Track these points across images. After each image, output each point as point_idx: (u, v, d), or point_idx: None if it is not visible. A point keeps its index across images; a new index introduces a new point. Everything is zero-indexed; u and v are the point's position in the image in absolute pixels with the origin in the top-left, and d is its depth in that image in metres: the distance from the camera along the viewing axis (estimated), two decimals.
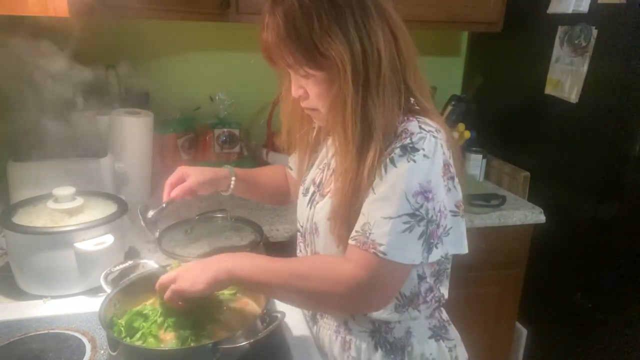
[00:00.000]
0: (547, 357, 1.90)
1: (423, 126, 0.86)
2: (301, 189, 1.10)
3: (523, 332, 1.98)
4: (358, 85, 0.84)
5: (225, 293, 1.06)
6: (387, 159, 0.84)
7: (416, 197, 0.83)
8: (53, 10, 0.86)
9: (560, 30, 1.72)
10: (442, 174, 0.86)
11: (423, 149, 0.83)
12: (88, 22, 1.09)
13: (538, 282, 1.90)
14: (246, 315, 0.98)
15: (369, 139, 0.85)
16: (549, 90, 1.79)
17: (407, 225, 0.83)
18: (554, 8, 1.74)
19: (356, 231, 0.86)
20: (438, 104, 2.05)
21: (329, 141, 1.06)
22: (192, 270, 0.87)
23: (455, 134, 2.00)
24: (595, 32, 1.59)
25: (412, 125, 0.86)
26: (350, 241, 0.87)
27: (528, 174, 1.92)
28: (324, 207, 0.98)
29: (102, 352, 0.92)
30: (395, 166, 0.84)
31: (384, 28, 0.85)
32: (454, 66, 2.34)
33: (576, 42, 1.66)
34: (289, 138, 1.10)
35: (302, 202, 1.08)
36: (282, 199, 1.32)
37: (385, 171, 0.84)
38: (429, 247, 0.85)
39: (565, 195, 1.76)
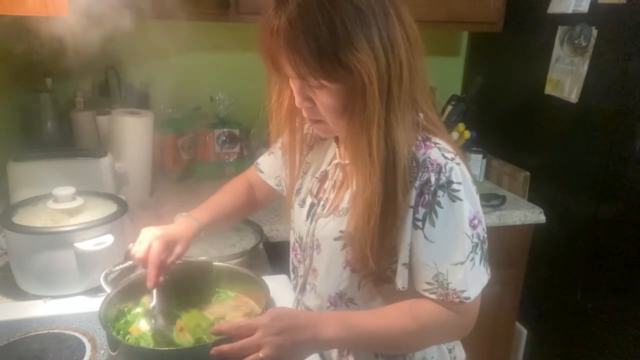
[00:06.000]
0: (547, 357, 1.90)
1: (445, 154, 0.82)
2: (296, 200, 1.03)
3: (523, 332, 1.98)
4: (383, 101, 0.77)
5: (226, 293, 1.06)
6: (434, 203, 0.81)
7: (468, 230, 0.82)
8: (53, 10, 0.86)
9: (560, 30, 1.72)
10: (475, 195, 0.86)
11: (459, 182, 0.81)
12: (88, 22, 1.09)
13: (538, 282, 1.90)
14: (246, 315, 0.99)
15: (395, 157, 0.79)
16: (549, 90, 1.79)
17: (473, 261, 0.83)
18: (554, 8, 1.74)
19: (429, 283, 0.84)
20: (438, 104, 2.05)
21: (324, 148, 1.02)
22: (283, 354, 0.78)
23: (455, 134, 2.00)
24: (595, 32, 1.59)
25: (434, 153, 0.82)
26: (429, 295, 0.85)
27: (528, 174, 1.92)
28: (327, 224, 0.93)
29: (102, 352, 0.92)
30: (442, 207, 0.81)
31: (402, 34, 0.79)
32: (454, 66, 2.34)
33: (576, 42, 1.66)
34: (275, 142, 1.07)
35: (299, 213, 1.01)
36: (249, 213, 1.26)
37: (436, 216, 0.81)
38: (487, 262, 0.87)
39: (565, 195, 1.76)
